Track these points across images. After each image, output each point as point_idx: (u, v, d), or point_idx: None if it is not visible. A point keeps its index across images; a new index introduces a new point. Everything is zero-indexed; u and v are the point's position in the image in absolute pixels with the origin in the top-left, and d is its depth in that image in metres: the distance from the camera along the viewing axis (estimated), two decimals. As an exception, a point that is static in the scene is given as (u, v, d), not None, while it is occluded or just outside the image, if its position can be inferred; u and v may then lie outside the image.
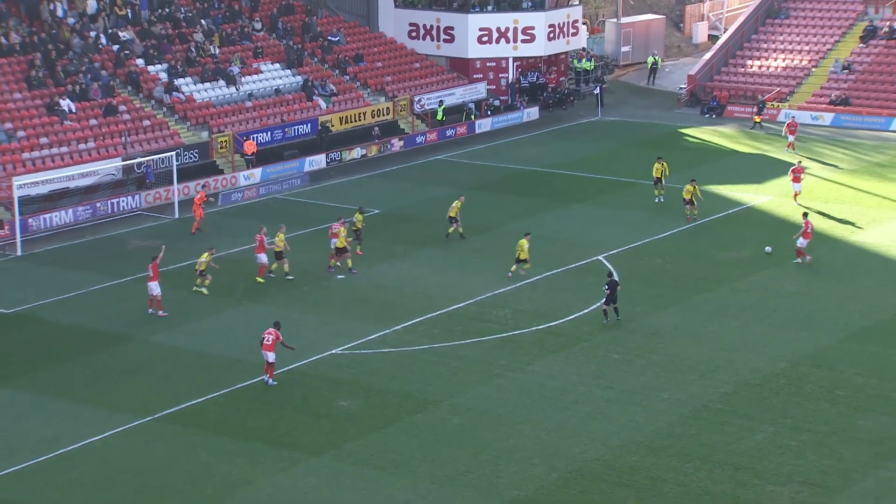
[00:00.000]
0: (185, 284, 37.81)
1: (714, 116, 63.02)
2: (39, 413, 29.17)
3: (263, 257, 37.92)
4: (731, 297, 37.20)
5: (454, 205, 41.88)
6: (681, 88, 66.79)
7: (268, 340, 30.31)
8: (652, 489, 25.72)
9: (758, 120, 60.05)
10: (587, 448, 27.49)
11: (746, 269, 39.33)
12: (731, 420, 28.90)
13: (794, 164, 47.83)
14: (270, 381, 30.57)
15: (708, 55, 68.28)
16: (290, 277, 37.87)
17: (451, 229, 41.77)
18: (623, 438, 27.94)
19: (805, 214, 40.63)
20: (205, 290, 36.63)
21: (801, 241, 39.63)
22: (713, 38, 77.45)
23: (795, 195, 46.48)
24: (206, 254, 36.92)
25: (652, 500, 25.26)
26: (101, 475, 26.20)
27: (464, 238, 41.81)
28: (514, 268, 38.07)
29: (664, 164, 46.83)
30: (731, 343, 33.56)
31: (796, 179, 46.48)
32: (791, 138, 54.97)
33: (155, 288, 35.05)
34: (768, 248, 40.04)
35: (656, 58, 70.67)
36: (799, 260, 39.65)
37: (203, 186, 46.18)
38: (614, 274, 35.81)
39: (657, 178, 46.57)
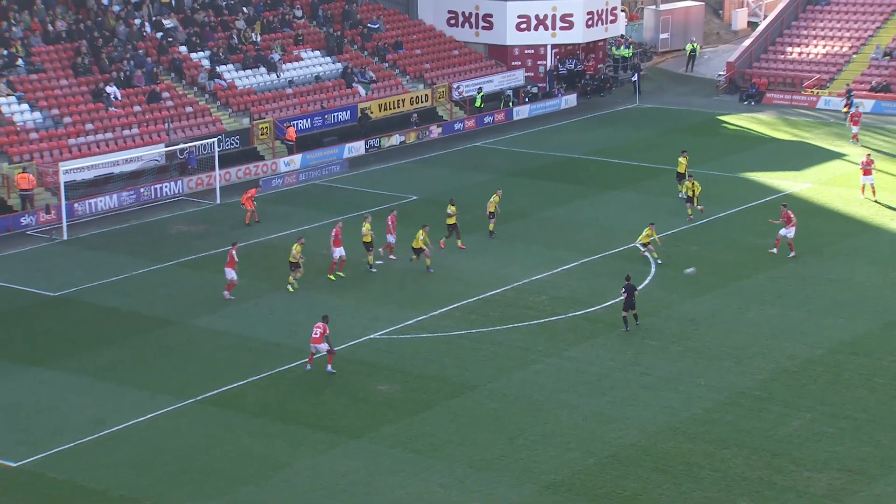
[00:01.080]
0: (223, 269, 38.21)
1: (753, 103, 62.65)
2: (86, 394, 29.74)
3: (339, 251, 37.54)
4: (769, 283, 37.14)
5: (492, 199, 41.36)
6: (719, 75, 66.44)
7: (315, 334, 30.46)
8: (688, 475, 25.82)
9: (846, 111, 56.96)
10: (623, 433, 27.61)
11: (783, 256, 39.22)
12: (769, 407, 28.93)
13: (862, 157, 46.11)
14: (330, 367, 30.67)
15: (747, 42, 67.84)
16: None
17: (492, 226, 41.12)
18: (659, 424, 28.04)
19: (784, 205, 39.95)
20: (294, 286, 35.95)
21: (787, 231, 38.80)
22: (753, 25, 76.91)
23: (864, 188, 44.94)
24: (296, 244, 36.01)
25: (688, 486, 25.36)
26: (145, 455, 26.69)
27: (493, 236, 41.06)
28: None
29: (688, 158, 45.85)
30: (768, 330, 33.54)
31: (867, 172, 44.76)
32: (855, 129, 54.10)
33: (230, 273, 35.35)
34: (688, 270, 36.58)
35: (695, 45, 70.31)
36: (775, 251, 39.08)
37: (256, 186, 46.03)
38: (631, 278, 34.17)
39: (680, 173, 45.37)
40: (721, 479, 25.72)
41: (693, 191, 42.76)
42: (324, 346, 30.56)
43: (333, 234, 37.55)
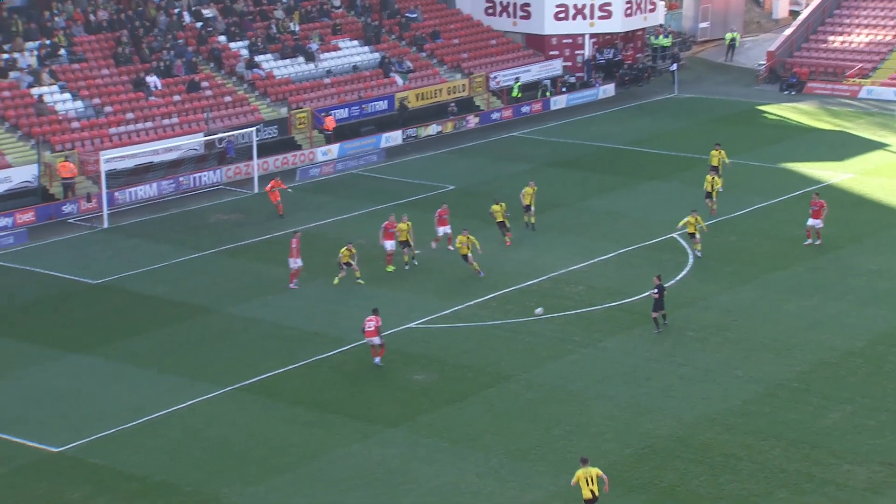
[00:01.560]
0: (263, 258, 38.55)
1: (794, 93, 62.03)
2: (125, 381, 30.06)
3: (390, 244, 37.42)
4: (808, 275, 36.83)
5: (525, 191, 40.79)
6: (760, 65, 65.83)
7: (370, 327, 30.37)
8: (726, 466, 25.68)
9: None
10: (660, 424, 27.52)
11: (823, 247, 38.86)
12: (808, 399, 28.71)
13: None
14: (377, 360, 30.64)
15: (788, 31, 67.14)
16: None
17: (529, 219, 40.60)
18: (697, 415, 27.90)
19: (816, 194, 39.49)
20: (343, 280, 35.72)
21: (815, 222, 38.41)
22: (794, 14, 76.08)
23: None
24: (345, 248, 35.61)
25: (726, 478, 25.24)
26: (183, 442, 26.93)
27: (534, 230, 40.58)
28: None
29: (722, 151, 45.03)
30: (807, 321, 33.26)
31: None
32: None
33: (293, 263, 35.51)
34: (538, 310, 33.58)
35: (735, 34, 69.69)
36: (811, 241, 38.52)
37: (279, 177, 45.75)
38: (662, 277, 33.12)
39: (714, 165, 44.46)
40: (759, 470, 25.57)
41: (712, 185, 41.80)
42: (377, 340, 30.49)
43: (384, 227, 37.35)
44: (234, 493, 24.76)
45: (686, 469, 25.59)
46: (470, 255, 36.13)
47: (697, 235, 37.74)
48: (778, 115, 57.99)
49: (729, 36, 69.55)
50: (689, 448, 26.44)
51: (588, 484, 23.22)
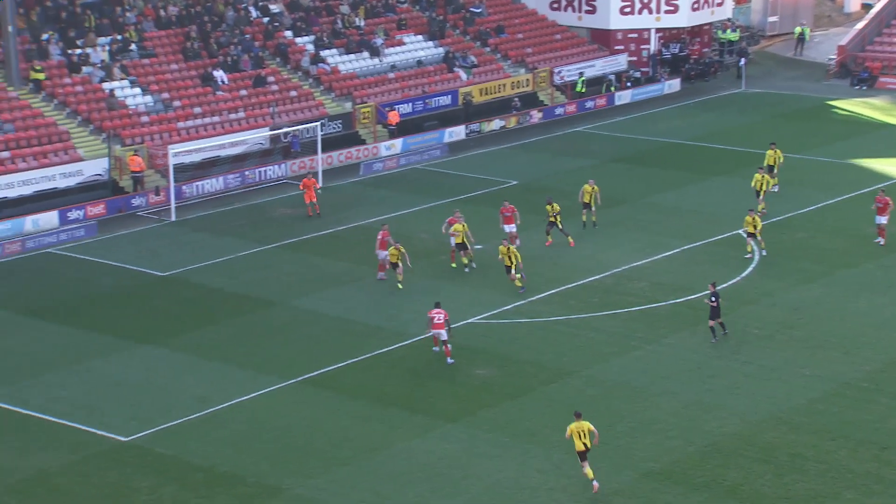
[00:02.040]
0: (326, 252, 38.81)
1: (865, 88, 60.91)
2: (192, 372, 30.46)
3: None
4: (879, 272, 36.17)
5: (584, 188, 40.15)
6: (830, 59, 64.72)
7: (438, 319, 30.31)
8: (791, 466, 25.38)
9: None
10: (725, 422, 27.23)
11: (893, 245, 38.11)
12: (877, 398, 28.23)
13: None
14: (449, 360, 30.52)
15: (860, 25, 65.90)
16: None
17: (590, 217, 40.03)
18: (762, 414, 27.59)
19: (882, 191, 38.68)
20: (399, 285, 35.16)
21: (881, 218, 37.69)
22: (867, 7, 74.62)
23: None
24: (392, 248, 35.05)
25: (791, 477, 24.94)
26: (247, 434, 27.21)
27: (594, 227, 40.09)
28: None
29: (778, 150, 44.00)
30: (877, 320, 32.68)
31: None
32: None
33: (381, 254, 35.71)
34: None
35: (804, 28, 68.59)
36: (880, 240, 37.82)
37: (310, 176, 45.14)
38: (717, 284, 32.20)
39: (770, 165, 43.46)
40: (826, 470, 25.20)
41: (762, 185, 40.78)
42: (444, 334, 30.36)
43: (449, 223, 37.15)
44: (296, 484, 24.95)
45: (750, 468, 25.31)
46: (512, 267, 34.50)
47: (759, 236, 37.12)
48: (848, 111, 56.99)
49: (798, 30, 68.48)
50: (753, 447, 26.16)
51: (580, 438, 24.27)
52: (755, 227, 37.01)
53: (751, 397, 28.48)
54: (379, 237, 36.08)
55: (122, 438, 26.85)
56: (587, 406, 28.09)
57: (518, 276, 34.73)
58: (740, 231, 39.37)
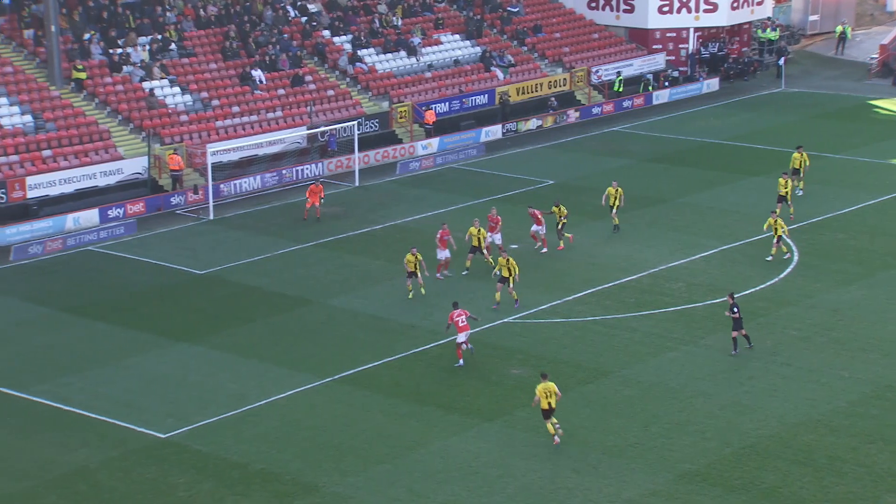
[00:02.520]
0: (361, 251, 38.90)
1: (907, 87, 60.27)
2: (229, 370, 30.63)
3: (497, 238, 37.39)
4: (920, 275, 35.80)
5: (608, 191, 39.67)
6: (872, 58, 64.01)
7: (462, 321, 30.16)
8: (830, 469, 25.17)
9: None
10: (762, 424, 27.06)
11: (937, 247, 37.73)
12: (917, 402, 27.97)
13: None
14: (461, 361, 30.47)
15: (903, 23, 65.24)
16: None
17: (618, 219, 39.65)
18: (800, 416, 27.39)
19: None
20: (422, 290, 34.44)
21: None
22: (910, 6, 73.85)
23: None
24: (409, 255, 34.36)
25: (830, 480, 24.73)
26: (283, 431, 27.33)
27: (617, 230, 39.61)
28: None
29: (804, 154, 43.27)
30: (917, 323, 32.35)
31: None
32: None
33: (441, 254, 35.68)
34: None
35: (846, 27, 67.89)
36: None
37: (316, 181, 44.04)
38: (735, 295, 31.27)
39: (795, 168, 42.82)
40: (866, 474, 24.97)
41: (787, 189, 39.88)
42: (466, 335, 30.25)
43: (493, 221, 37.00)
44: (332, 482, 25.04)
45: (788, 470, 25.13)
46: (510, 279, 33.29)
47: (776, 238, 36.51)
48: (890, 111, 56.38)
49: (840, 29, 67.78)
50: (791, 449, 25.97)
51: (546, 397, 26.09)
52: (776, 229, 36.36)
53: (789, 399, 28.25)
54: (438, 235, 35.94)
55: (161, 435, 27.07)
56: (624, 406, 28.17)
57: (513, 289, 33.54)
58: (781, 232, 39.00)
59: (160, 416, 28.01)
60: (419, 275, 34.25)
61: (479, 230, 36.13)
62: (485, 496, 24.58)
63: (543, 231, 38.06)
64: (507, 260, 33.71)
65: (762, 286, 34.96)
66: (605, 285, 35.47)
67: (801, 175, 42.92)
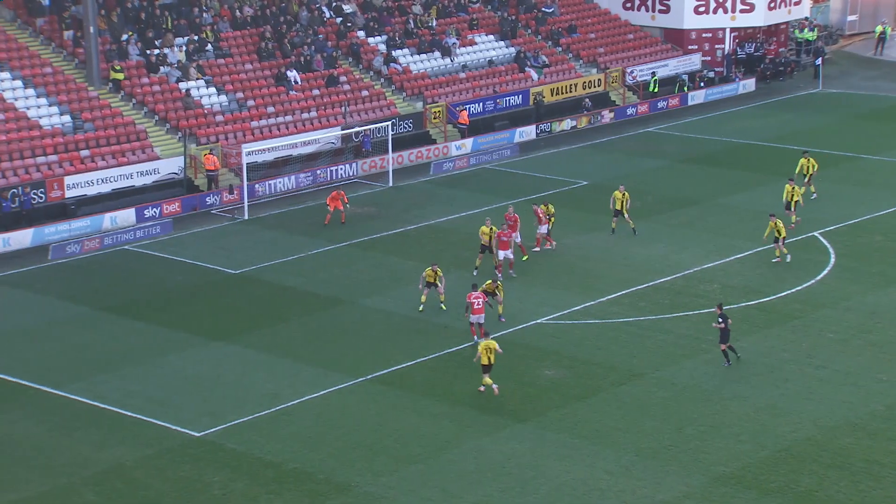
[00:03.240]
0: (394, 251, 38.94)
1: (947, 88, 59.55)
2: (263, 369, 30.73)
3: (543, 229, 37.66)
4: (959, 278, 35.35)
5: (615, 195, 39.25)
6: (911, 58, 63.39)
7: (479, 304, 30.82)
8: (867, 473, 24.93)
9: None
10: (798, 427, 26.84)
11: (977, 250, 37.25)
12: (955, 406, 27.62)
13: None
14: (475, 338, 30.92)
15: (943, 23, 64.44)
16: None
17: (616, 224, 39.22)
18: (836, 419, 27.15)
19: None
20: (442, 306, 33.77)
21: None
22: (952, 5, 72.97)
23: None
24: (429, 269, 33.71)
25: (867, 484, 24.48)
26: (317, 431, 27.38)
27: (635, 232, 39.22)
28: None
29: (812, 159, 42.46)
30: (956, 326, 31.95)
31: None
32: None
33: (502, 254, 35.73)
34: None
35: (885, 27, 67.18)
36: None
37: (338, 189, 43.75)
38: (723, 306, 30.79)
39: (802, 174, 42.06)
40: (903, 479, 24.73)
41: (792, 195, 39.11)
42: (482, 318, 30.87)
43: (537, 213, 37.33)
44: (365, 482, 25.06)
45: (825, 474, 24.92)
46: (497, 295, 32.66)
47: (780, 240, 36.05)
48: (929, 111, 55.77)
49: (879, 29, 67.08)
50: (828, 452, 25.74)
51: (487, 353, 28.38)
52: (778, 231, 35.92)
53: (825, 402, 28.01)
54: (497, 235, 35.69)
55: (195, 433, 27.19)
56: (657, 408, 28.01)
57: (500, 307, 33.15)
58: (815, 233, 38.77)
59: (195, 414, 28.16)
60: (439, 285, 33.49)
61: (492, 229, 36.04)
62: (518, 497, 24.53)
63: (545, 230, 37.94)
64: (498, 285, 32.75)
65: (798, 288, 34.66)
66: (639, 286, 35.31)
67: (808, 180, 42.01)
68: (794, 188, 39.53)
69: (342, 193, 42.07)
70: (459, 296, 34.88)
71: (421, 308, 33.74)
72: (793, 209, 39.14)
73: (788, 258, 36.55)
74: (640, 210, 41.82)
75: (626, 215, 39.28)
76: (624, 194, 39.43)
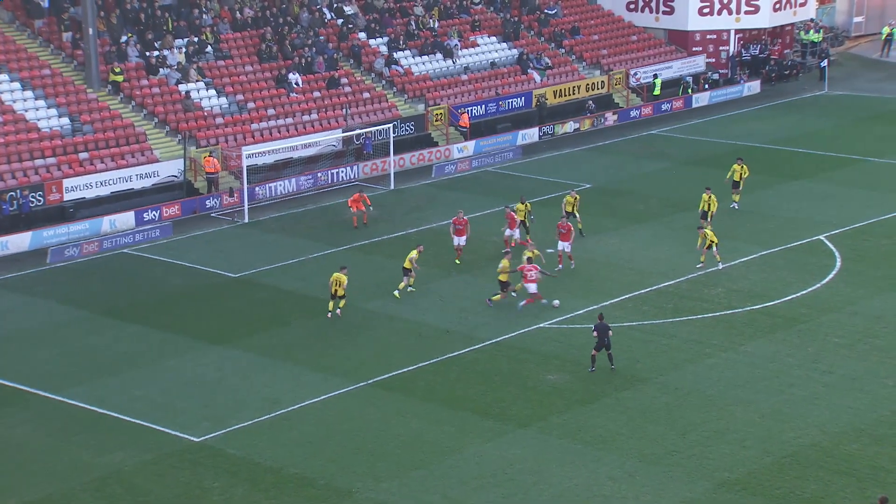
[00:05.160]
0: (396, 254, 38.67)
1: (952, 90, 59.26)
2: (264, 373, 30.54)
3: (516, 233, 37.76)
4: (966, 282, 35.08)
5: (567, 199, 39.14)
6: (917, 61, 63.12)
7: (532, 275, 32.46)
8: (874, 479, 24.71)
9: None
10: (803, 433, 26.62)
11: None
12: (963, 412, 27.35)
13: None
14: (521, 305, 32.89)
15: (949, 25, 64.16)
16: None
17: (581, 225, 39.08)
18: (842, 425, 26.93)
19: None
20: (410, 288, 34.78)
21: None
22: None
23: None
24: (414, 251, 34.94)
25: (874, 491, 24.21)
26: (318, 436, 27.18)
27: (581, 234, 38.83)
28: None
29: (744, 165, 41.88)
30: (964, 330, 31.68)
31: None
32: None
33: (564, 245, 36.14)
34: (556, 302, 33.67)
35: (893, 29, 66.91)
36: None
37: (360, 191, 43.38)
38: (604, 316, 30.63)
39: (735, 180, 41.72)
40: (910, 485, 24.45)
41: (709, 205, 38.34)
42: (535, 288, 32.82)
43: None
44: (366, 488, 24.87)
45: (830, 480, 24.70)
46: (411, 273, 33.76)
47: (714, 248, 35.71)
48: (935, 114, 55.51)
49: (886, 30, 66.82)
50: (833, 458, 25.52)
51: (336, 285, 32.84)
52: (712, 239, 35.55)
53: (831, 408, 27.77)
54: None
55: (195, 439, 27.01)
56: (661, 414, 27.78)
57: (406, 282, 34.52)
58: (821, 237, 38.54)
59: (195, 419, 27.96)
60: (413, 274, 34.61)
61: (526, 205, 37.86)
62: (520, 503, 24.25)
63: (517, 235, 37.82)
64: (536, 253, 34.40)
65: (803, 292, 34.41)
66: (643, 290, 35.08)
67: (740, 188, 41.60)
68: (710, 197, 38.60)
69: (364, 196, 41.80)
70: (462, 299, 34.73)
71: (411, 289, 34.54)
72: (709, 219, 38.25)
73: (699, 265, 36.11)
74: (644, 213, 41.59)
75: (577, 216, 39.07)
76: (575, 197, 39.43)
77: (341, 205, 44.68)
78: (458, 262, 37.35)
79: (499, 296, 33.92)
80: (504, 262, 34.11)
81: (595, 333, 29.80)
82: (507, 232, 38.01)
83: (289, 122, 49.07)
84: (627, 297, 34.66)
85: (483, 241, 38.77)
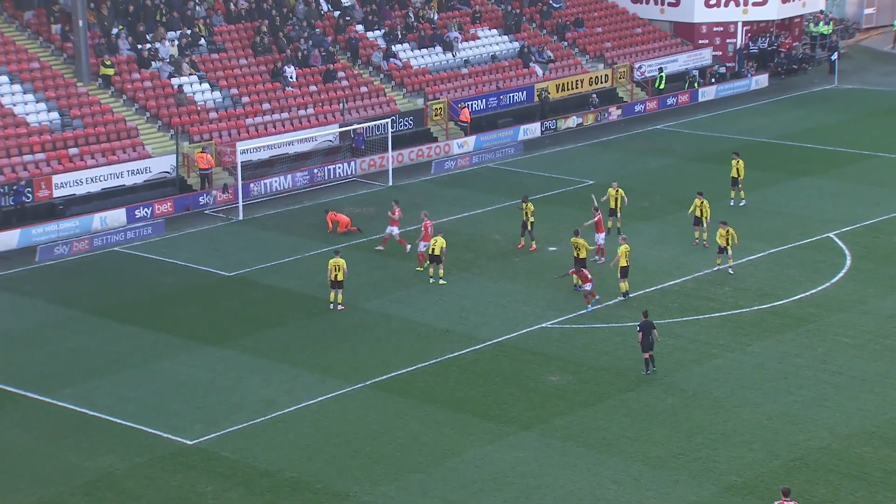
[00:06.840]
0: (394, 253, 38.18)
1: (963, 84, 58.65)
2: (259, 374, 30.06)
3: (393, 230, 37.33)
4: (979, 279, 34.47)
5: (609, 192, 38.38)
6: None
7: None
8: (885, 483, 24.27)
9: None
10: (812, 436, 26.21)
11: None
12: (978, 414, 26.78)
13: None
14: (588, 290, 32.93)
15: (962, 17, 63.56)
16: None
17: (612, 223, 38.30)
18: (853, 427, 26.50)
19: None
20: (442, 280, 34.63)
21: None
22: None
23: None
24: (442, 239, 34.77)
25: (885, 495, 23.84)
26: (315, 438, 26.70)
27: (619, 232, 37.86)
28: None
29: (741, 161, 41.02)
30: (977, 330, 31.08)
31: None
32: None
33: (599, 238, 35.83)
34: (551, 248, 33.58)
35: (904, 20, 66.35)
36: None
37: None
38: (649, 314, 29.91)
39: (733, 177, 40.93)
40: (923, 490, 23.88)
41: (701, 210, 37.17)
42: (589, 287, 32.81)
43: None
44: (363, 491, 24.46)
45: (840, 484, 24.28)
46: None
47: (730, 251, 34.91)
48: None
49: (897, 22, 66.24)
50: (843, 461, 25.10)
51: (335, 270, 33.13)
52: (728, 240, 34.79)
53: (841, 410, 27.33)
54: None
55: (188, 441, 26.54)
56: (667, 416, 27.30)
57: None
58: (831, 234, 37.95)
59: (188, 421, 27.50)
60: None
61: (618, 191, 37.66)
62: (522, 509, 23.79)
63: (396, 232, 37.29)
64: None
65: (812, 291, 33.92)
66: (648, 289, 34.59)
67: (740, 185, 40.97)
68: (702, 202, 37.36)
69: (336, 214, 40.21)
70: (464, 299, 34.22)
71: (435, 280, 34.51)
72: (704, 225, 37.31)
73: (731, 272, 35.31)
74: (649, 210, 41.05)
75: (619, 214, 38.57)
76: (618, 191, 38.62)
77: (338, 202, 44.11)
78: (419, 269, 36.11)
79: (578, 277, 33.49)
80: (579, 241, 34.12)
81: (640, 333, 29.01)
82: (391, 230, 37.28)
83: (284, 117, 48.38)
84: (632, 296, 34.20)
85: (483, 239, 38.20)
